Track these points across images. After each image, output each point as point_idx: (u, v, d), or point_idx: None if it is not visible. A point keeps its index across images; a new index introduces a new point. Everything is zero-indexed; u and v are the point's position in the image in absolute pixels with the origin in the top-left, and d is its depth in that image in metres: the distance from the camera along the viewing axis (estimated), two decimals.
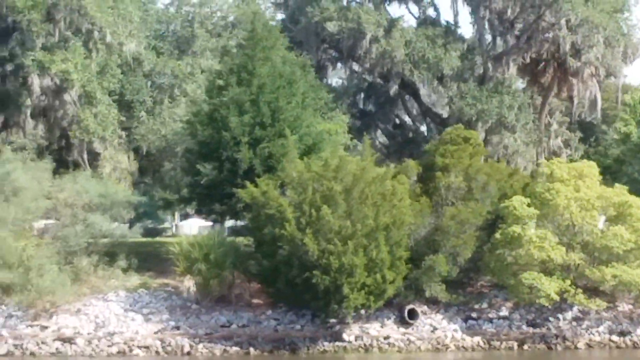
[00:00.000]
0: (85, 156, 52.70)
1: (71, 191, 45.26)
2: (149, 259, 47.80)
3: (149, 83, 56.49)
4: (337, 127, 50.69)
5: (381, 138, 75.73)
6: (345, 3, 69.50)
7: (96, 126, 51.53)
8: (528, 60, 67.01)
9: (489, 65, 67.59)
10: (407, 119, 76.59)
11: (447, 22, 71.50)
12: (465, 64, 66.68)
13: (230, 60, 47.66)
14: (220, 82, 48.01)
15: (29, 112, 52.44)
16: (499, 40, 69.68)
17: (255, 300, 45.09)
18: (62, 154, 53.65)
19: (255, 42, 47.78)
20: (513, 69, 68.60)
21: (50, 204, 45.14)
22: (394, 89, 65.59)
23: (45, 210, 45.04)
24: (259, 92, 46.62)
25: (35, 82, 51.32)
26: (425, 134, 74.09)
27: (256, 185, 43.60)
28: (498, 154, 66.34)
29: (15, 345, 41.49)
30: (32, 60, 49.96)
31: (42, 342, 41.58)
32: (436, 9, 70.57)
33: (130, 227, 47.48)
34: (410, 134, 74.15)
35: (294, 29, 71.37)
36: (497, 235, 44.34)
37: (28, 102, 51.77)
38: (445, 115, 71.62)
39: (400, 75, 64.81)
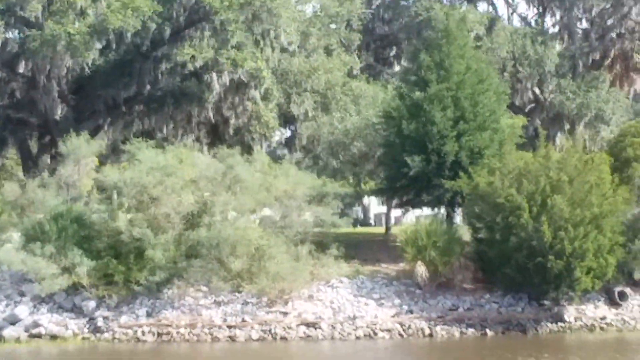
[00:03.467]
0: (264, 150, 54.64)
1: (291, 183, 47.18)
2: (350, 247, 49.73)
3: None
4: (521, 122, 53.30)
5: None
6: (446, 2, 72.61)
7: (275, 121, 53.60)
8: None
9: (580, 61, 70.80)
10: None
11: (537, 20, 74.97)
12: (563, 60, 69.70)
13: (427, 57, 49.78)
14: (413, 78, 50.39)
15: (210, 107, 54.07)
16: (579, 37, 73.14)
17: (465, 285, 47.37)
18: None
19: (450, 40, 50.16)
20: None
21: (269, 195, 46.97)
22: None
23: (267, 201, 46.86)
24: (458, 87, 49.04)
25: (216, 79, 52.95)
26: None
27: (469, 177, 46.19)
28: (598, 147, 69.54)
29: (264, 331, 43.36)
30: (226, 58, 51.64)
31: (288, 327, 43.50)
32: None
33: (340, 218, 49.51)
34: None
35: (382, 25, 74.37)
36: None
37: (210, 97, 53.36)
38: None
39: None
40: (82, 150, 48.24)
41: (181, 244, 45.50)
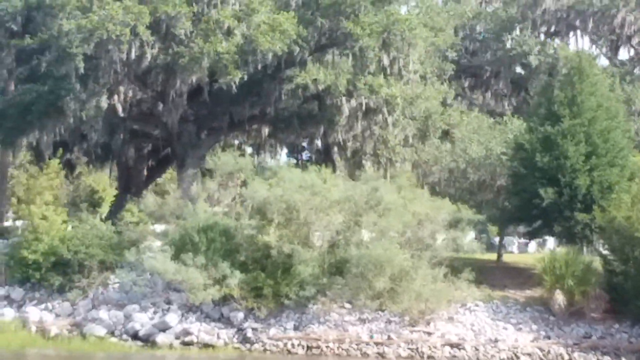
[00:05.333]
0: (388, 174, 56.39)
1: (431, 207, 48.95)
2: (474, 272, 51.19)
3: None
4: None
5: None
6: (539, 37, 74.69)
7: (401, 148, 55.42)
8: None
9: None
10: None
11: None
12: None
13: (560, 93, 51.64)
14: (544, 112, 52.31)
15: (340, 130, 55.79)
16: None
17: (594, 314, 49.00)
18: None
19: (582, 77, 52.09)
20: None
21: (413, 218, 48.71)
22: None
23: (410, 224, 48.57)
24: (590, 123, 50.94)
25: (345, 104, 54.70)
26: None
27: (602, 210, 48.11)
28: None
29: (410, 349, 45.08)
30: (364, 84, 53.39)
31: (434, 347, 45.22)
32: None
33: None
34: None
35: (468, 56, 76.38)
36: None
37: (342, 121, 55.05)
38: None
39: None
40: (229, 166, 49.83)
41: (325, 261, 47.08)
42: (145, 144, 63.55)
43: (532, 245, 63.24)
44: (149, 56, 51.46)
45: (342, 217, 47.26)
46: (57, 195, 50.91)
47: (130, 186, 66.70)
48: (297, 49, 52.54)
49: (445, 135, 65.33)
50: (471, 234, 53.31)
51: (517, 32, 75.58)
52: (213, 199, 49.86)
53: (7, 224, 61.05)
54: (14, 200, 50.67)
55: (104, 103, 52.61)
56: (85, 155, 67.81)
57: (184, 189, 56.49)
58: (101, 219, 52.92)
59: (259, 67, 52.44)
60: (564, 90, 52.31)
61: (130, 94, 55.34)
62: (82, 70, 50.51)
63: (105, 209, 74.82)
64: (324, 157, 60.86)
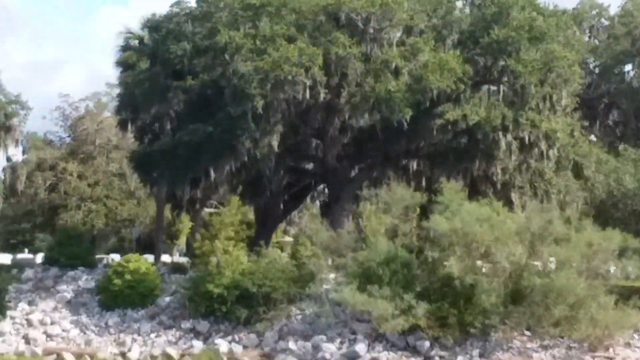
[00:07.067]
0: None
1: (603, 237, 50.56)
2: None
3: None
4: None
5: None
6: None
7: (557, 180, 57.27)
8: None
9: None
10: None
11: None
12: None
13: None
14: None
15: (498, 165, 57.63)
16: None
17: None
18: None
19: None
20: None
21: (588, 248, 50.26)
22: None
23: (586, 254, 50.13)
24: None
25: (502, 138, 56.48)
26: None
27: None
28: None
29: None
30: (526, 119, 55.26)
31: None
32: None
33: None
34: None
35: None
36: None
37: (500, 155, 56.77)
38: None
39: None
40: (405, 200, 51.73)
41: (505, 290, 48.76)
42: (297, 179, 65.57)
43: None
44: (322, 96, 53.35)
45: (521, 248, 48.85)
46: (238, 231, 52.81)
47: (266, 220, 68.81)
48: (462, 86, 54.37)
49: (575, 166, 67.06)
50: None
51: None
52: (390, 231, 51.55)
53: (167, 259, 63.42)
54: (198, 236, 52.52)
55: (275, 142, 54.63)
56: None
57: (338, 222, 58.36)
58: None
59: (427, 104, 54.20)
60: None
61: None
62: (260, 110, 52.51)
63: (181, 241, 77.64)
64: (470, 190, 62.40)
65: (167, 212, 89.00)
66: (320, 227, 54.69)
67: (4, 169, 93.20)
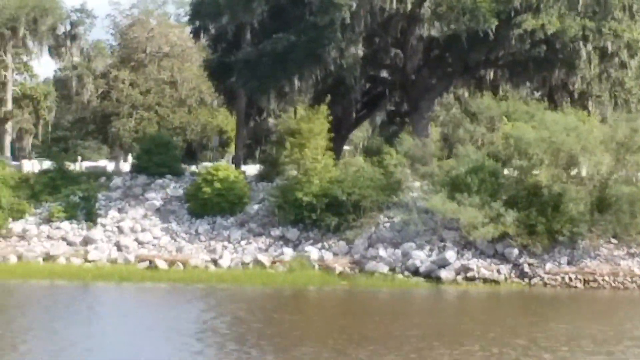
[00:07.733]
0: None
1: None
2: None
3: None
4: None
5: None
6: None
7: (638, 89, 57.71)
8: None
9: None
10: None
11: None
12: None
13: None
14: None
15: (579, 74, 58.14)
16: None
17: None
18: None
19: None
20: None
21: None
22: None
23: None
24: None
25: (583, 48, 56.73)
26: None
27: None
28: None
29: None
30: (609, 29, 55.61)
31: None
32: None
33: None
34: None
35: None
36: None
37: (581, 64, 57.08)
38: None
39: None
40: (493, 110, 52.32)
41: (592, 198, 49.52)
42: (371, 88, 66.21)
43: None
44: (409, 6, 53.68)
45: (609, 157, 49.46)
46: (327, 139, 53.55)
47: (340, 128, 69.48)
48: None
49: None
50: None
51: None
52: (477, 141, 52.26)
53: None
54: (287, 144, 53.24)
55: (360, 51, 55.14)
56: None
57: (418, 131, 59.06)
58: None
59: (509, 14, 54.40)
60: None
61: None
62: (348, 20, 52.92)
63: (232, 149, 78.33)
64: (547, 99, 62.84)
65: (220, 120, 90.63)
66: (404, 135, 55.28)
67: (65, 77, 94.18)
